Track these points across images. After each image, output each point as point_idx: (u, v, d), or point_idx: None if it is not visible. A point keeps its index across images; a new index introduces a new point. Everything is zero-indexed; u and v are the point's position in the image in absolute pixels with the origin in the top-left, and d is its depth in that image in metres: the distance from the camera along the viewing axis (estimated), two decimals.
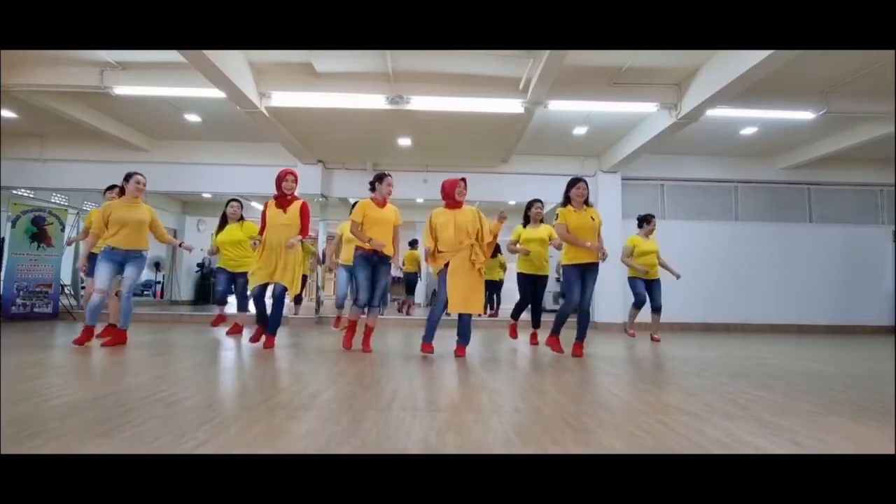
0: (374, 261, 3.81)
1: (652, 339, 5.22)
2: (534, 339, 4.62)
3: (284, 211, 3.81)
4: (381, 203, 3.85)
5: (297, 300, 6.96)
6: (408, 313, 7.98)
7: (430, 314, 3.76)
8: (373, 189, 3.87)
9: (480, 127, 5.67)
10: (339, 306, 5.43)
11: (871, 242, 7.42)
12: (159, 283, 11.00)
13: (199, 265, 11.08)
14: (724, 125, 5.99)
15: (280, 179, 3.84)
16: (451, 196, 3.78)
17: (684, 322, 7.11)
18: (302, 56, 4.56)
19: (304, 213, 3.85)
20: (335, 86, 4.99)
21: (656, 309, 5.25)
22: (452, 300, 3.59)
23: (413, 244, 8.72)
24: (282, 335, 4.64)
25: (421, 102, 5.05)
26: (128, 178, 3.85)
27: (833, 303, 7.28)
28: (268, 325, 3.93)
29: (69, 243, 5.79)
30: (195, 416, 1.84)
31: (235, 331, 4.81)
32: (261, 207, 4.10)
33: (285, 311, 4.39)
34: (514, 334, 4.79)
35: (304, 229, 3.86)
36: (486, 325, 6.92)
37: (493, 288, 8.22)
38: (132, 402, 2.04)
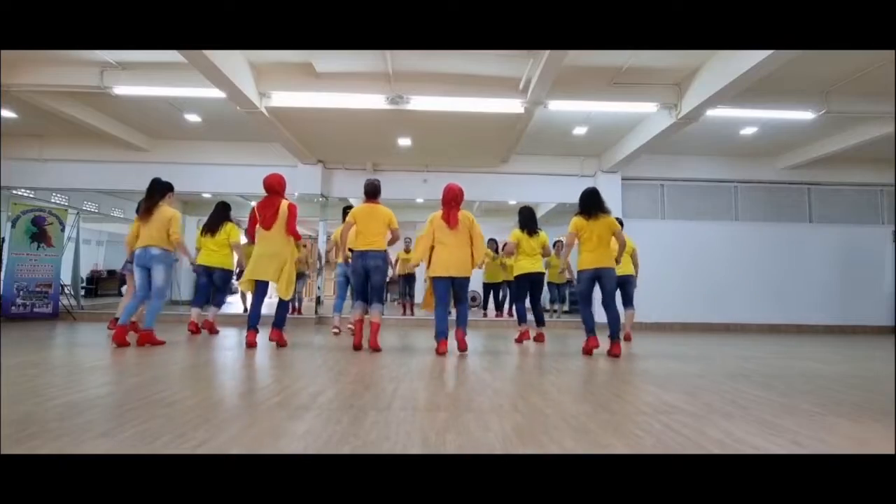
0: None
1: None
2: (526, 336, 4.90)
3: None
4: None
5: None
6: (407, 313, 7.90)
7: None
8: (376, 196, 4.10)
9: (480, 127, 5.67)
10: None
11: (871, 242, 7.41)
12: None
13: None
14: (724, 125, 5.99)
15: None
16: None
17: (684, 322, 7.11)
18: (302, 56, 4.56)
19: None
20: (335, 86, 4.98)
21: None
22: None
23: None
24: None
25: (421, 102, 5.04)
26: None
27: (833, 303, 7.27)
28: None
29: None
30: (195, 416, 1.84)
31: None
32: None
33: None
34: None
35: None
36: (487, 325, 6.93)
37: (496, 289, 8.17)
38: (132, 402, 2.04)
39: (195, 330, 4.84)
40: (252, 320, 3.94)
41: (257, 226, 3.95)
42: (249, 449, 1.51)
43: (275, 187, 4.00)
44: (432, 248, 3.95)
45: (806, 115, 5.21)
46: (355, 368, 3.05)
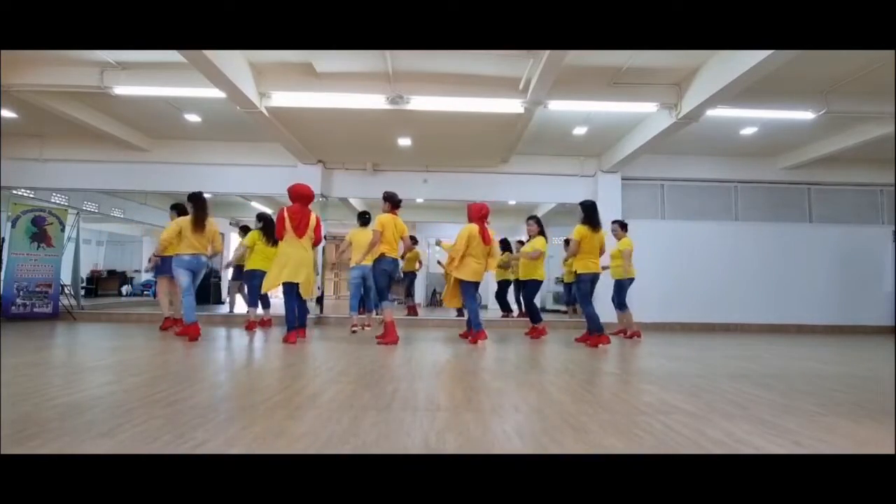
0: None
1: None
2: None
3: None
4: None
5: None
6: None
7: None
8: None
9: (480, 127, 5.67)
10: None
11: (871, 242, 7.41)
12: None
13: None
14: (724, 125, 5.98)
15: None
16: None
17: (684, 322, 7.11)
18: (302, 56, 4.56)
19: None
20: (335, 86, 4.98)
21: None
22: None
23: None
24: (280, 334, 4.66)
25: (421, 102, 5.04)
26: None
27: (833, 303, 7.27)
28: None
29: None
30: (195, 416, 1.84)
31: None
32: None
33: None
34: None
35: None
36: (489, 326, 6.91)
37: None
38: (132, 402, 2.04)
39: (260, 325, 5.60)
40: (292, 321, 4.31)
41: (286, 230, 4.21)
42: (249, 449, 1.51)
43: (304, 197, 4.35)
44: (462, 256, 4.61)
45: (806, 115, 5.21)
46: (355, 368, 3.05)
